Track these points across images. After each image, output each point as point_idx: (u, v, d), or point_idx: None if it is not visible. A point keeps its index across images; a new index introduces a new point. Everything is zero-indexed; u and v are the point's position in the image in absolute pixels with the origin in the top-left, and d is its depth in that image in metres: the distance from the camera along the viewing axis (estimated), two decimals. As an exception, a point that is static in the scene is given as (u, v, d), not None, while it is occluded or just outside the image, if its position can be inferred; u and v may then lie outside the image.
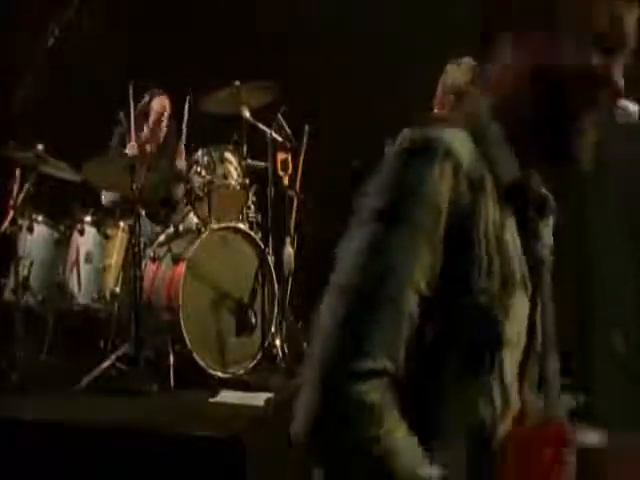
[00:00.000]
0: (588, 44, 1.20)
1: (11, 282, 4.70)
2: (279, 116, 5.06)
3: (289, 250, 5.15)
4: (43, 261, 4.87)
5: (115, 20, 6.12)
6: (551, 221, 1.36)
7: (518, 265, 1.22)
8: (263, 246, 4.85)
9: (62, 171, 4.93)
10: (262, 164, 5.04)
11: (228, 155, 4.96)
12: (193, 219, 5.02)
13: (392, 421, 1.11)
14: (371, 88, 5.85)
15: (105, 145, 5.49)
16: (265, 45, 5.90)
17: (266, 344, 4.74)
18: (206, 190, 4.84)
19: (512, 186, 1.23)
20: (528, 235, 1.26)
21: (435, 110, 3.87)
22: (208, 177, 4.85)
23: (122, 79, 5.44)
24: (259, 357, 4.71)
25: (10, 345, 4.49)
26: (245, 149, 5.03)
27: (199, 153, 4.93)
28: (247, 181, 4.97)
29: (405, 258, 1.13)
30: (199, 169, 4.89)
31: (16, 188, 4.79)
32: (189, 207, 5.03)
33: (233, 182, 4.93)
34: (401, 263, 1.12)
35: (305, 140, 5.19)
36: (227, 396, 4.21)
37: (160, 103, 5.43)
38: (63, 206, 5.08)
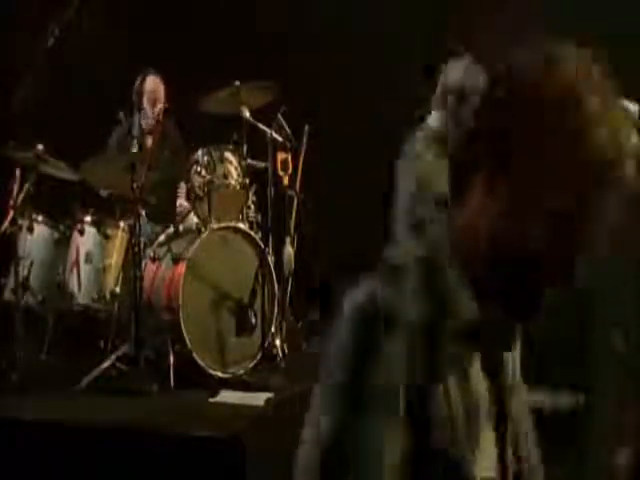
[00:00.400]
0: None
1: (11, 282, 4.70)
2: (279, 116, 5.06)
3: (289, 250, 5.15)
4: (43, 261, 4.87)
5: (115, 20, 6.12)
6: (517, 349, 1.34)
7: (483, 404, 1.22)
8: (263, 246, 4.84)
9: (62, 171, 4.92)
10: (262, 164, 5.03)
11: (228, 155, 4.96)
12: (193, 219, 5.02)
13: None
14: (371, 88, 5.85)
15: (105, 145, 5.49)
16: (265, 45, 5.90)
17: (266, 344, 4.74)
18: (206, 190, 4.84)
19: (471, 326, 1.21)
20: (490, 367, 1.25)
21: (434, 111, 3.85)
22: (208, 177, 4.85)
23: (122, 79, 5.44)
24: (259, 357, 4.71)
25: (10, 345, 4.49)
26: (245, 149, 5.03)
27: (199, 153, 4.92)
28: (247, 181, 4.97)
29: (375, 445, 1.12)
30: (199, 169, 4.88)
31: (16, 188, 4.79)
32: (189, 207, 5.03)
33: (233, 182, 4.93)
34: (372, 451, 1.13)
35: (305, 140, 5.19)
36: (227, 396, 4.22)
37: (153, 82, 5.39)
38: (63, 206, 5.08)
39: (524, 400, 1.35)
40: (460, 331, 1.20)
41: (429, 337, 1.17)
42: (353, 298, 1.19)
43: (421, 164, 3.64)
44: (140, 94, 5.34)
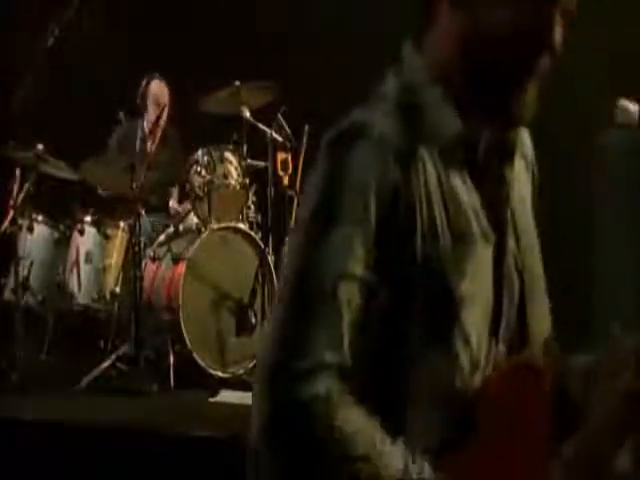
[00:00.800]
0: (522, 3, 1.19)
1: (11, 282, 4.70)
2: (279, 116, 5.06)
3: (289, 250, 5.14)
4: (43, 261, 4.87)
5: (115, 20, 6.11)
6: (523, 165, 1.35)
7: (475, 218, 1.22)
8: (263, 246, 4.84)
9: (62, 171, 4.92)
10: (262, 164, 5.04)
11: (228, 155, 4.96)
12: (193, 219, 5.02)
13: (345, 410, 1.11)
14: (371, 88, 5.84)
15: (105, 145, 5.48)
16: (265, 45, 5.89)
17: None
18: (206, 190, 4.84)
19: (455, 141, 1.22)
20: (486, 185, 1.24)
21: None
22: (208, 177, 4.85)
23: (122, 79, 5.44)
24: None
25: (10, 345, 4.49)
26: (245, 149, 5.03)
27: (199, 153, 4.92)
28: (247, 181, 4.97)
29: (336, 252, 1.13)
30: (199, 169, 4.88)
31: (16, 188, 4.79)
32: (189, 207, 5.03)
33: (233, 182, 4.93)
34: (332, 258, 1.13)
35: (305, 140, 5.18)
36: (227, 396, 4.21)
37: (157, 87, 5.39)
38: (63, 206, 5.08)
39: (533, 228, 1.35)
40: (443, 146, 1.21)
41: (402, 150, 1.17)
42: (334, 127, 1.21)
43: None
44: (144, 97, 5.35)
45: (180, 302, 4.54)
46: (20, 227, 4.70)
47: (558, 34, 1.21)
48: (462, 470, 1.15)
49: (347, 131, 1.19)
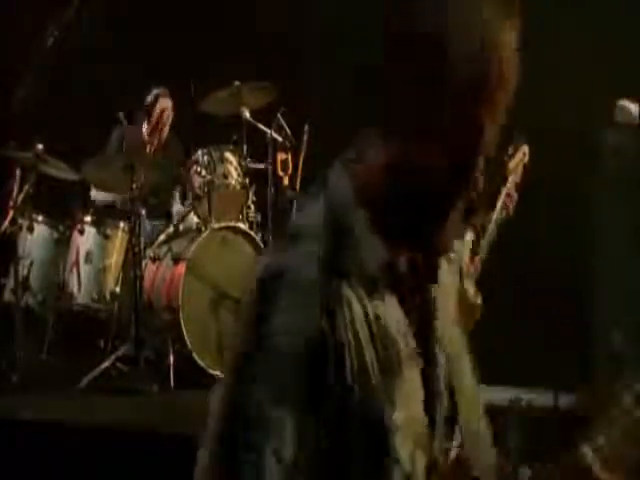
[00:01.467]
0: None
1: (11, 282, 4.70)
2: (279, 116, 5.06)
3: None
4: (43, 261, 4.86)
5: (115, 20, 6.11)
6: (445, 276, 1.35)
7: (402, 342, 1.21)
8: (263, 246, 4.84)
9: (62, 171, 4.92)
10: (262, 164, 5.03)
11: (228, 155, 4.96)
12: (193, 219, 5.01)
13: None
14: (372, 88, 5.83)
15: (105, 145, 5.48)
16: (265, 45, 5.89)
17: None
18: (206, 190, 4.84)
19: (380, 270, 1.21)
20: (411, 304, 1.25)
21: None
22: (208, 177, 4.85)
23: (122, 79, 5.43)
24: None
25: (10, 345, 4.49)
26: (245, 149, 5.03)
27: (199, 153, 4.93)
28: (247, 181, 4.97)
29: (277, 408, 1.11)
30: (199, 169, 4.89)
31: (16, 188, 4.79)
32: (189, 207, 5.03)
33: (233, 182, 4.93)
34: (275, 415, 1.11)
35: (305, 140, 5.18)
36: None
37: (165, 103, 5.39)
38: (63, 206, 5.08)
39: (459, 336, 1.36)
40: (369, 275, 1.20)
41: (327, 295, 1.15)
42: (259, 268, 1.20)
43: None
44: (150, 111, 5.32)
45: (180, 302, 4.54)
46: (20, 227, 4.69)
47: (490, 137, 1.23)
48: None
49: (273, 277, 1.17)
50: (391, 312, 1.22)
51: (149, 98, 5.33)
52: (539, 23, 5.69)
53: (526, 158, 3.99)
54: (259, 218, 5.10)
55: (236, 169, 4.95)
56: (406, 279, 1.25)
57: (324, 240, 1.19)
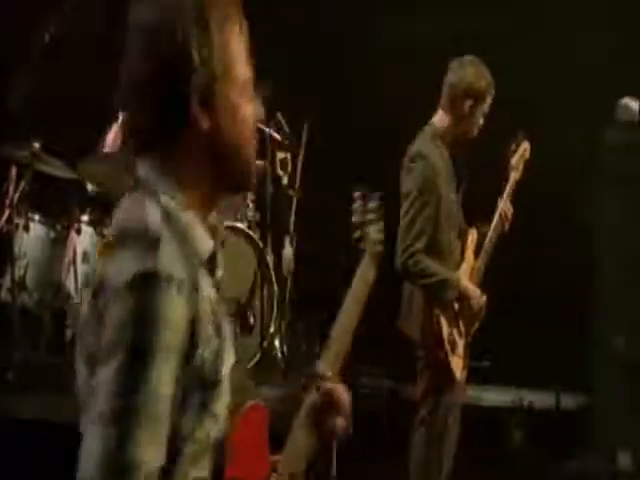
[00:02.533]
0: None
1: (7, 282, 4.66)
2: (278, 114, 5.02)
3: (288, 250, 5.11)
4: (40, 260, 4.82)
5: (113, 18, 6.08)
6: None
7: (222, 315, 1.52)
8: (262, 246, 4.80)
9: (59, 169, 4.88)
10: (261, 163, 5.00)
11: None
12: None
13: None
14: (372, 86, 5.81)
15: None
16: (264, 42, 5.86)
17: (265, 345, 4.70)
18: (204, 189, 4.79)
19: (210, 257, 1.51)
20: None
21: (441, 111, 3.81)
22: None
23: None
24: (258, 358, 4.67)
25: (6, 344, 4.45)
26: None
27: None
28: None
29: (159, 380, 1.36)
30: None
31: (12, 187, 4.75)
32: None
33: (231, 181, 4.88)
34: (156, 387, 1.35)
35: (304, 139, 5.14)
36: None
37: None
38: (60, 205, 5.04)
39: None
40: (203, 264, 1.49)
41: (189, 284, 1.40)
42: (121, 269, 1.38)
43: (427, 164, 3.63)
44: None
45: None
46: (16, 226, 4.65)
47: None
48: None
49: (144, 276, 1.36)
50: (213, 292, 1.50)
51: None
52: (542, 19, 5.67)
53: (527, 154, 3.99)
54: (258, 217, 5.07)
55: (234, 168, 4.91)
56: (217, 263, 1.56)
57: (169, 237, 1.42)
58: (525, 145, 3.98)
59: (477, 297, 3.70)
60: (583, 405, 5.20)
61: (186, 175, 1.49)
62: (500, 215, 3.83)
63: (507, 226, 3.87)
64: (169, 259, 1.38)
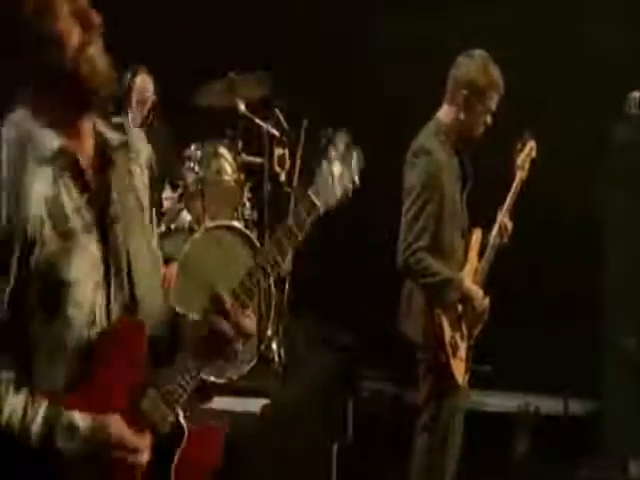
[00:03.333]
0: None
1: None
2: (276, 110, 4.91)
3: (287, 250, 4.99)
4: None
5: (104, 10, 5.97)
6: (136, 163, 1.84)
7: (79, 217, 1.66)
8: (259, 245, 4.69)
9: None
10: (258, 160, 4.89)
11: (222, 150, 4.85)
12: (186, 217, 4.89)
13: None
14: (373, 81, 5.75)
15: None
16: (262, 36, 5.80)
17: (262, 348, 4.60)
18: (199, 187, 4.72)
19: (55, 154, 1.66)
20: (91, 188, 1.70)
21: (445, 105, 3.75)
22: (201, 173, 4.73)
23: (121, 77, 5.31)
24: (255, 361, 4.57)
25: None
26: (240, 144, 4.92)
27: (192, 148, 4.83)
28: (242, 177, 4.85)
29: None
30: (192, 165, 4.77)
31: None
32: (181, 204, 4.89)
33: (227, 178, 4.82)
34: None
35: (303, 135, 5.03)
36: (222, 402, 4.08)
37: (143, 81, 5.28)
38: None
39: (140, 201, 1.83)
40: (49, 160, 1.64)
41: (10, 180, 1.60)
42: None
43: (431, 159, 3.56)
44: (129, 91, 5.23)
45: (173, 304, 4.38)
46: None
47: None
48: (82, 403, 1.68)
49: None
50: (67, 193, 1.65)
51: (128, 74, 5.21)
52: (549, 14, 5.58)
53: (534, 153, 3.96)
54: (255, 216, 4.97)
55: (231, 165, 4.84)
56: (86, 169, 1.70)
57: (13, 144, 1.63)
58: (531, 144, 3.97)
59: (480, 299, 3.66)
60: (593, 410, 5.10)
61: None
62: (500, 227, 3.80)
63: (506, 239, 3.84)
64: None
